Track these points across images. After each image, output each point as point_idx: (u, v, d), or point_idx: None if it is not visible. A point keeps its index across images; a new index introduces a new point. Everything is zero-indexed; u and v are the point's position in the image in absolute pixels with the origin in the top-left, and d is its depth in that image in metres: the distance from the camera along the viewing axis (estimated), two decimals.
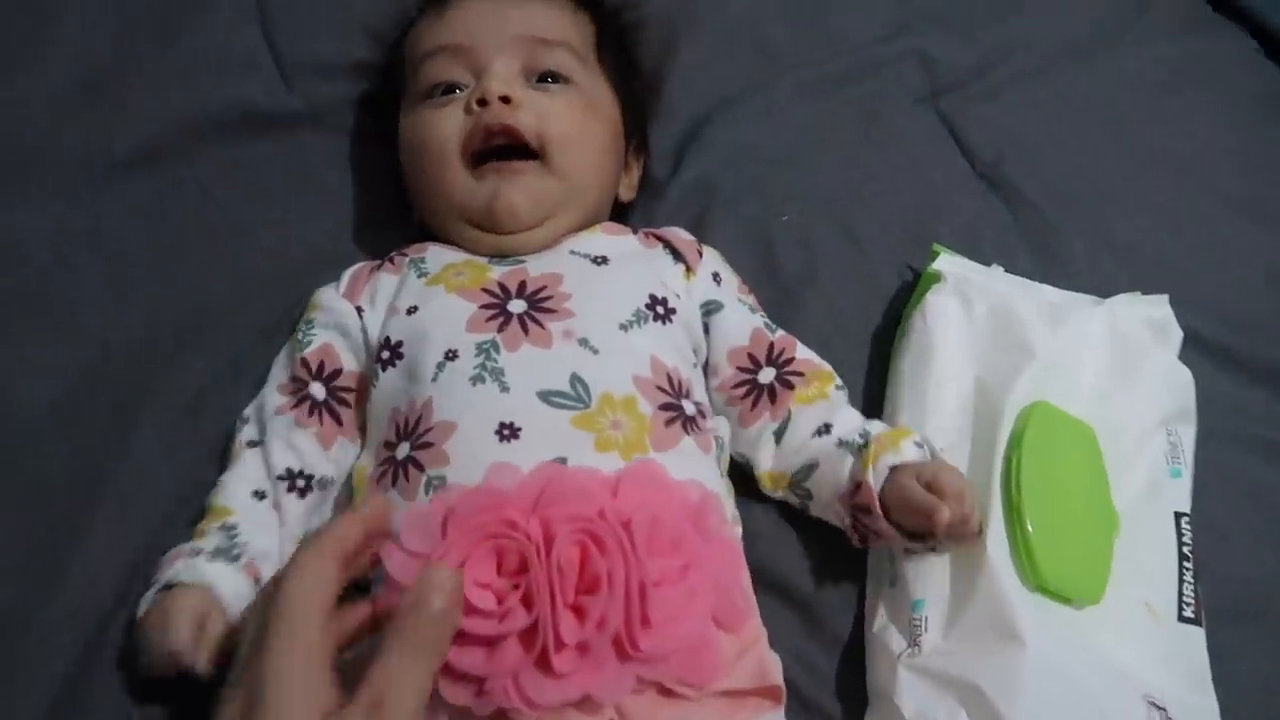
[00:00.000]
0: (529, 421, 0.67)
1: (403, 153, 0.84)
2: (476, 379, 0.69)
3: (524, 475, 0.63)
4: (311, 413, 0.74)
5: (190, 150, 0.90)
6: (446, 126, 0.78)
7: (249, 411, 0.76)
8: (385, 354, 0.73)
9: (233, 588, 0.65)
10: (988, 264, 0.87)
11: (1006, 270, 0.88)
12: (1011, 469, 0.70)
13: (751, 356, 0.79)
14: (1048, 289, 0.86)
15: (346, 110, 0.95)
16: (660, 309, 0.75)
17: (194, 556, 0.66)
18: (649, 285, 0.76)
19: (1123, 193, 1.00)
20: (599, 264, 0.77)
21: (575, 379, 0.69)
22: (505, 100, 0.77)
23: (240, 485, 0.71)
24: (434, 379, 0.70)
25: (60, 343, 0.81)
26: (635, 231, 0.82)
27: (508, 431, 0.66)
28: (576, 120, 0.80)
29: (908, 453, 0.70)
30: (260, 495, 0.71)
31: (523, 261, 0.77)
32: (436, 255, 0.79)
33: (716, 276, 0.81)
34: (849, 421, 0.75)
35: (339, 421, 0.75)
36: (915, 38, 1.05)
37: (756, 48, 1.01)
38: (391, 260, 0.80)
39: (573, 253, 0.78)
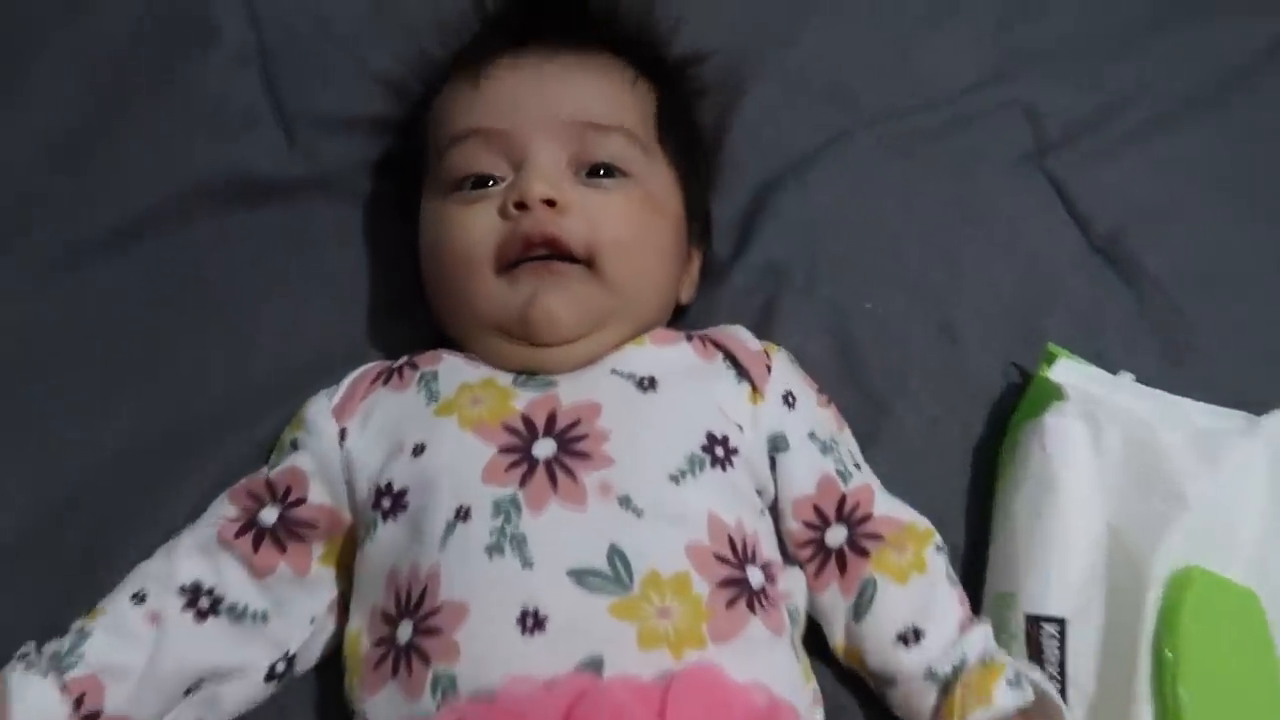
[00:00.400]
0: (557, 608, 0.55)
1: (423, 247, 0.72)
2: (494, 549, 0.57)
3: (546, 692, 0.52)
4: (248, 534, 0.63)
5: (178, 223, 0.79)
6: (477, 229, 0.66)
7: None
8: (386, 502, 0.61)
9: (36, 704, 0.56)
10: (1109, 363, 0.74)
11: (1136, 378, 0.73)
12: (1167, 666, 0.57)
13: (818, 510, 0.66)
14: (1190, 405, 0.72)
15: (360, 174, 0.83)
16: (720, 450, 0.63)
17: (22, 659, 0.58)
18: (706, 418, 0.64)
19: (1266, 273, 0.85)
20: (645, 388, 0.65)
21: (614, 552, 0.57)
22: (550, 204, 0.65)
23: (128, 584, 0.62)
24: (442, 544, 0.58)
25: (28, 461, 0.71)
26: (690, 338, 0.69)
27: (531, 621, 0.55)
28: (634, 223, 0.68)
29: (1001, 701, 0.59)
30: (139, 599, 0.61)
31: (554, 384, 0.65)
32: (452, 370, 0.67)
33: (789, 398, 0.68)
34: (943, 631, 0.63)
35: (281, 549, 0.64)
36: (1017, 85, 0.91)
37: (830, 98, 0.88)
38: (400, 373, 0.68)
39: (614, 372, 0.65)
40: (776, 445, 0.66)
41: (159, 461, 0.71)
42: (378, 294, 0.79)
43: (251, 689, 0.63)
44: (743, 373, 0.68)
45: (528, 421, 0.62)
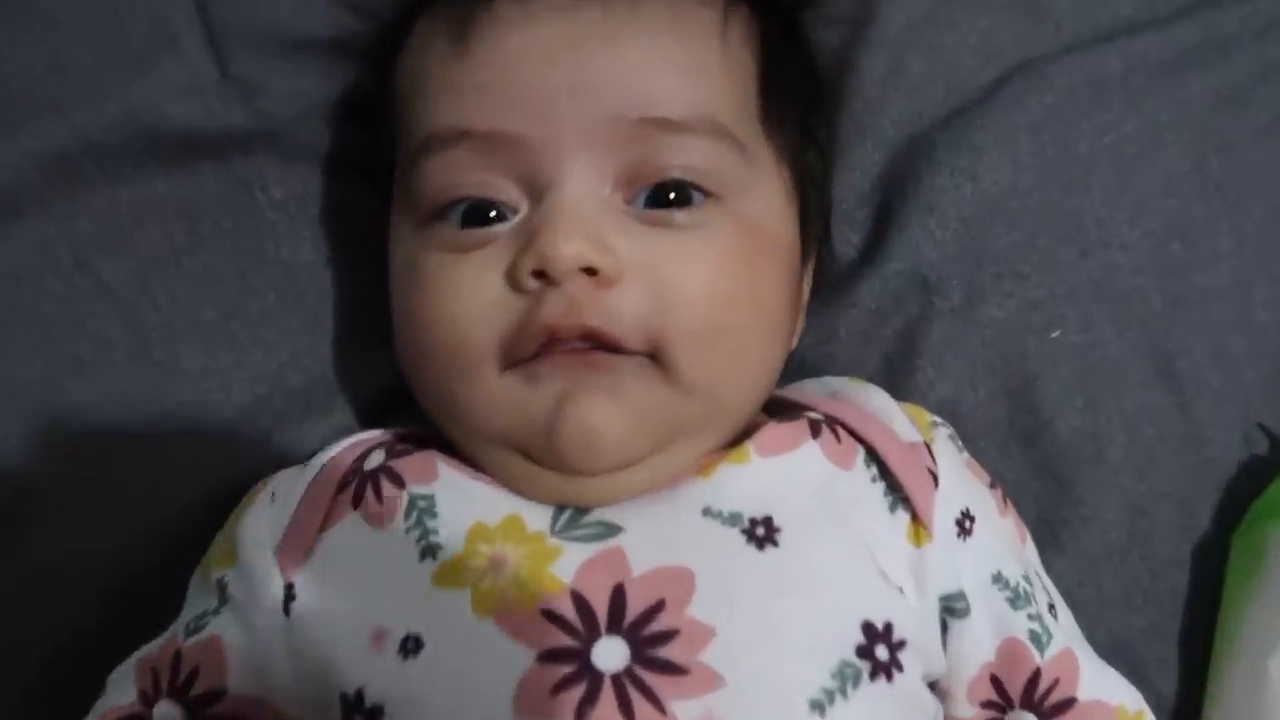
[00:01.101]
0: None
1: (394, 299, 0.50)
2: None
3: None
4: None
5: (62, 197, 0.56)
6: (472, 305, 0.45)
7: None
8: (358, 719, 0.42)
9: None
10: None
11: None
12: None
13: (998, 685, 0.47)
14: None
15: (323, 125, 0.58)
16: (883, 649, 0.43)
17: None
18: (861, 592, 0.44)
19: None
20: (761, 542, 0.43)
21: None
22: (590, 272, 0.43)
23: None
24: None
25: None
26: (816, 427, 0.47)
27: None
28: (727, 285, 0.45)
29: None
30: None
31: (616, 530, 0.44)
32: (455, 496, 0.46)
33: (965, 520, 0.47)
34: None
35: None
36: None
37: (1011, 4, 0.60)
38: (376, 488, 0.46)
39: (709, 513, 0.44)
40: (952, 609, 0.46)
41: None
42: (343, 302, 0.57)
43: None
44: (895, 488, 0.46)
45: (582, 605, 0.42)
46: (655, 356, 0.43)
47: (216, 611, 0.46)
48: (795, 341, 0.52)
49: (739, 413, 0.47)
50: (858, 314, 0.56)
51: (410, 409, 0.52)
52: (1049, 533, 0.55)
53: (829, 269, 0.56)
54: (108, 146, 0.56)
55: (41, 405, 0.54)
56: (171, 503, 0.53)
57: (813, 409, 0.48)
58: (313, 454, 0.51)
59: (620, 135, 0.44)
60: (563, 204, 0.43)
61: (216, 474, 0.53)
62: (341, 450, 0.49)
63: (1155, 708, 0.52)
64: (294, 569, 0.45)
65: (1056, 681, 0.46)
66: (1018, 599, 0.47)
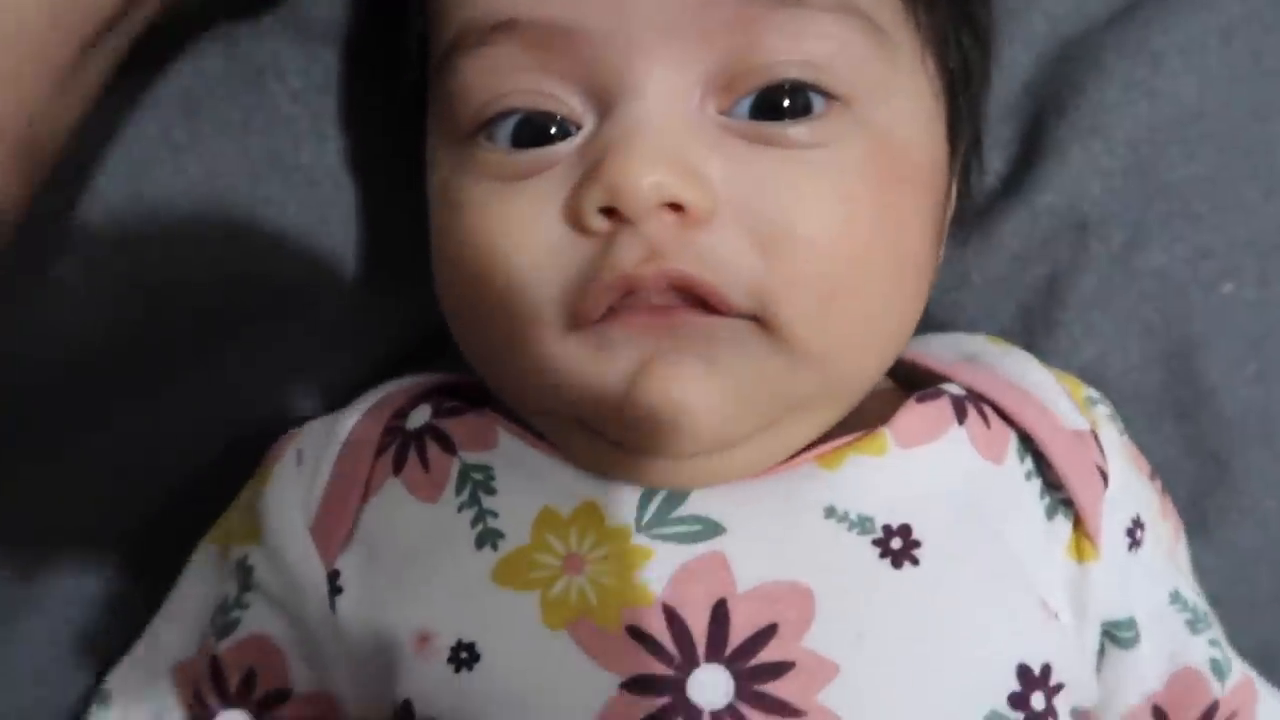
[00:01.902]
0: None
1: (435, 240, 0.40)
2: None
3: None
4: None
5: None
6: (521, 247, 0.35)
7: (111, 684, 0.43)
8: None
9: None
10: None
11: None
12: None
13: (1160, 715, 0.40)
14: None
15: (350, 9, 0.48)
16: (1040, 697, 0.36)
17: None
18: (1016, 628, 0.36)
19: None
20: (897, 557, 0.36)
21: None
22: (675, 208, 0.33)
23: None
24: None
25: None
26: (961, 408, 0.39)
27: None
28: (864, 222, 0.35)
29: None
30: None
31: (718, 529, 0.36)
32: (517, 471, 0.38)
33: (1136, 529, 0.40)
34: None
35: None
36: None
37: None
38: (420, 450, 0.39)
39: (831, 514, 0.36)
40: (1116, 636, 0.39)
41: None
42: (381, 227, 0.48)
43: None
44: (1054, 487, 0.39)
45: (676, 624, 0.34)
46: (759, 318, 0.34)
47: (241, 603, 0.39)
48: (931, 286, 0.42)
49: (863, 384, 0.38)
50: (996, 256, 0.47)
51: (455, 351, 0.44)
52: (1198, 521, 0.47)
53: (968, 207, 0.46)
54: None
55: None
56: (187, 442, 0.45)
57: (951, 380, 0.40)
58: (344, 400, 0.43)
59: (714, 21, 0.34)
60: (638, 118, 0.34)
61: (230, 417, 0.45)
62: (377, 402, 0.41)
63: None
64: (335, 552, 0.38)
65: (1234, 715, 0.40)
66: (1198, 622, 0.40)
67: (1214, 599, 0.45)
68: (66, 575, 0.46)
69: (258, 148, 0.47)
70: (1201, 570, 0.45)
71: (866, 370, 0.38)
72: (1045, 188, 0.46)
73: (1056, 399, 0.40)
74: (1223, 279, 0.47)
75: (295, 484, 0.39)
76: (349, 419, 0.40)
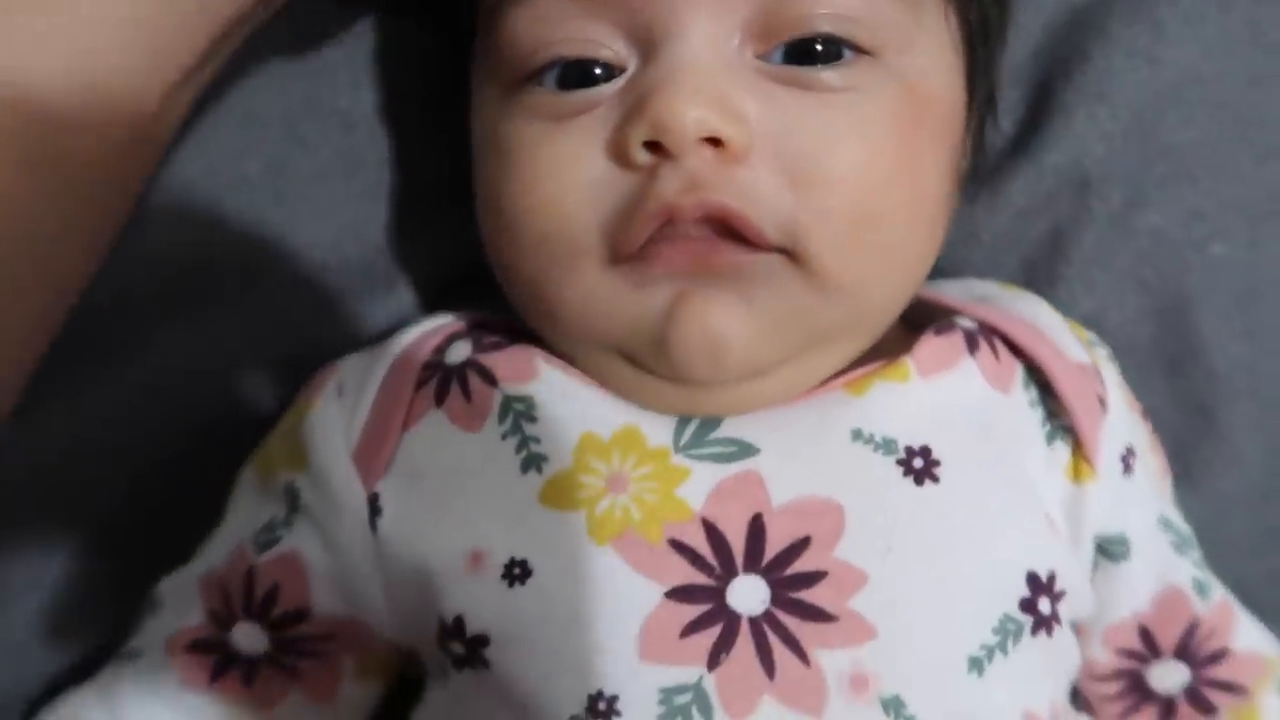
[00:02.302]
0: None
1: (478, 180, 0.43)
2: None
3: None
4: (231, 673, 0.42)
5: None
6: (571, 182, 0.38)
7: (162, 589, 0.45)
8: (457, 648, 0.38)
9: None
10: None
11: None
12: None
13: (1147, 636, 0.43)
14: None
15: None
16: (1046, 603, 0.39)
17: None
18: (1026, 539, 0.39)
19: None
20: (920, 475, 0.39)
21: None
22: (714, 143, 0.35)
23: None
24: None
25: None
26: (974, 340, 0.42)
27: None
28: (889, 163, 0.38)
29: None
30: None
31: (752, 450, 0.39)
32: (559, 399, 0.40)
33: (1129, 456, 0.43)
34: None
35: (291, 674, 0.43)
36: None
37: None
38: (463, 382, 0.41)
39: (858, 436, 0.39)
40: (1108, 551, 0.42)
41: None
42: (416, 173, 0.50)
43: None
44: (1055, 415, 0.42)
45: (715, 537, 0.37)
46: (790, 252, 0.37)
47: (288, 523, 0.42)
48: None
49: (886, 317, 0.41)
50: (1003, 213, 0.49)
51: (490, 291, 0.46)
52: (1183, 469, 0.50)
53: (979, 162, 0.48)
54: None
55: None
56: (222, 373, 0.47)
57: (964, 315, 0.43)
58: (378, 337, 0.46)
59: None
60: (681, 59, 0.36)
61: (269, 351, 0.47)
62: (418, 336, 0.43)
63: None
64: (376, 477, 0.40)
65: (1214, 631, 0.43)
66: (1183, 544, 0.43)
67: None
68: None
69: (296, 90, 0.49)
70: (1184, 515, 0.48)
71: (888, 302, 0.40)
72: (1051, 148, 0.49)
73: (1064, 336, 0.43)
74: (1214, 240, 0.49)
75: (337, 414, 0.41)
76: (388, 353, 0.42)
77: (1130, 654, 0.43)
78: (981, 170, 0.49)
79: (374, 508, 0.40)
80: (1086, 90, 0.48)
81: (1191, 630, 0.43)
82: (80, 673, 0.46)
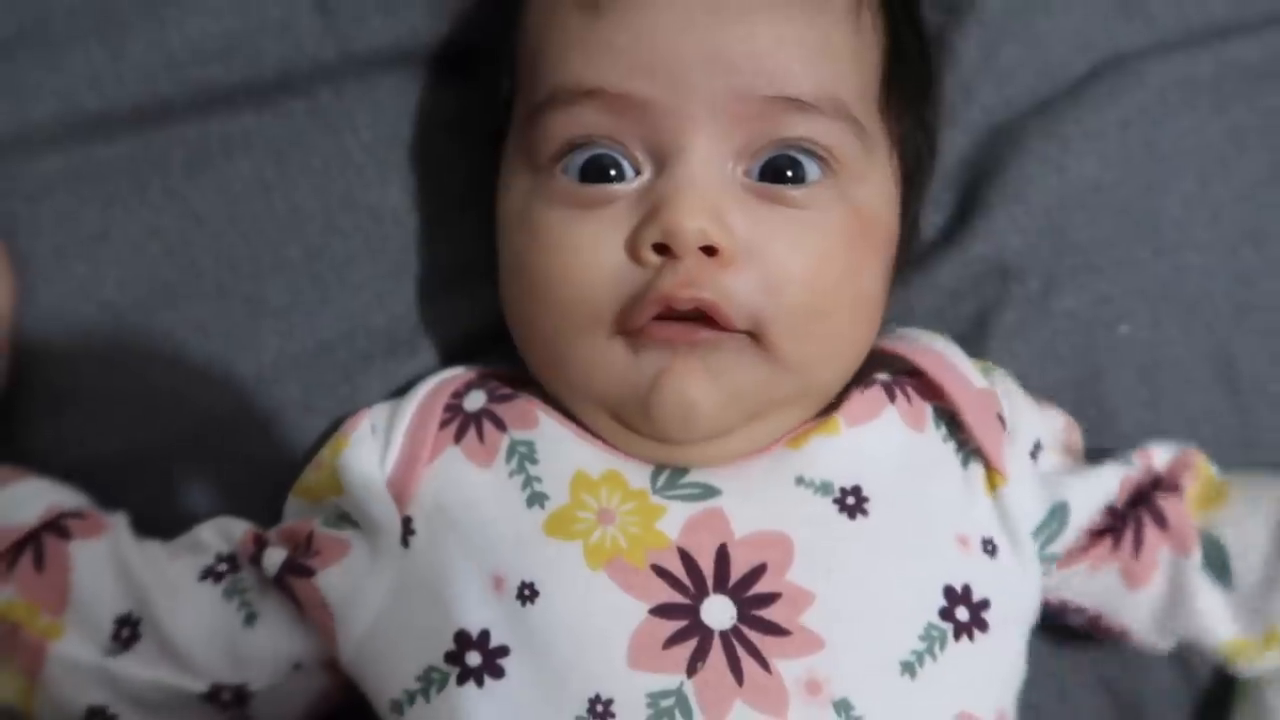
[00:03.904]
0: None
1: (503, 253, 0.52)
2: None
3: None
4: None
5: (153, 124, 0.57)
6: (590, 267, 0.47)
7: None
8: (474, 658, 0.45)
9: None
10: None
11: None
12: None
13: (1113, 511, 0.52)
14: None
15: (411, 68, 0.59)
16: (964, 611, 0.46)
17: None
18: (940, 558, 0.47)
19: None
20: (852, 511, 0.47)
21: None
22: (709, 251, 0.45)
23: None
24: None
25: None
26: (892, 392, 0.50)
27: None
28: (834, 271, 0.47)
29: None
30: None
31: (715, 492, 0.47)
32: (556, 447, 0.49)
33: (1035, 451, 0.51)
34: None
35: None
36: None
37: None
38: (478, 428, 0.49)
39: (801, 482, 0.47)
40: (1057, 520, 0.50)
41: None
42: (431, 255, 0.59)
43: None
44: (965, 444, 0.50)
45: (688, 561, 0.45)
46: (755, 335, 0.46)
47: (339, 524, 0.49)
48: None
49: (829, 390, 0.50)
50: (935, 294, 0.58)
51: (496, 353, 0.55)
52: None
53: (908, 251, 0.57)
54: (199, 78, 0.57)
55: (134, 329, 0.55)
56: (255, 431, 0.55)
57: (888, 361, 0.51)
58: (400, 391, 0.54)
59: (748, 110, 0.46)
60: (688, 176, 0.45)
61: (299, 408, 0.55)
62: (438, 384, 0.52)
63: (1191, 693, 0.57)
64: (407, 500, 0.48)
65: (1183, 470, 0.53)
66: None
67: None
68: None
69: (333, 188, 0.58)
70: None
71: (832, 379, 0.49)
72: (976, 240, 0.58)
73: (965, 365, 0.52)
74: (1120, 321, 0.58)
75: (371, 448, 0.49)
76: (414, 398, 0.51)
77: (1098, 532, 0.50)
78: (917, 258, 0.58)
79: (407, 529, 0.47)
80: (1005, 193, 0.58)
81: (1155, 482, 0.51)
82: None
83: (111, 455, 0.54)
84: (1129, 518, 0.50)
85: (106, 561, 0.50)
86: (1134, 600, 0.51)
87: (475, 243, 0.56)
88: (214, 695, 0.49)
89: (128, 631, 0.49)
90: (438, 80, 0.59)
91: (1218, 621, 0.51)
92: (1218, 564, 0.51)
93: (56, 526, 0.50)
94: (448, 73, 0.59)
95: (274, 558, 0.49)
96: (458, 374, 0.52)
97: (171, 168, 0.57)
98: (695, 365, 0.45)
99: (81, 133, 0.57)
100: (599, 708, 0.42)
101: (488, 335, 0.56)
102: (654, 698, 0.42)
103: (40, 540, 0.50)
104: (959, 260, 0.58)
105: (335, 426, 0.53)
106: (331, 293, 0.57)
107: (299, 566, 0.48)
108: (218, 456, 0.55)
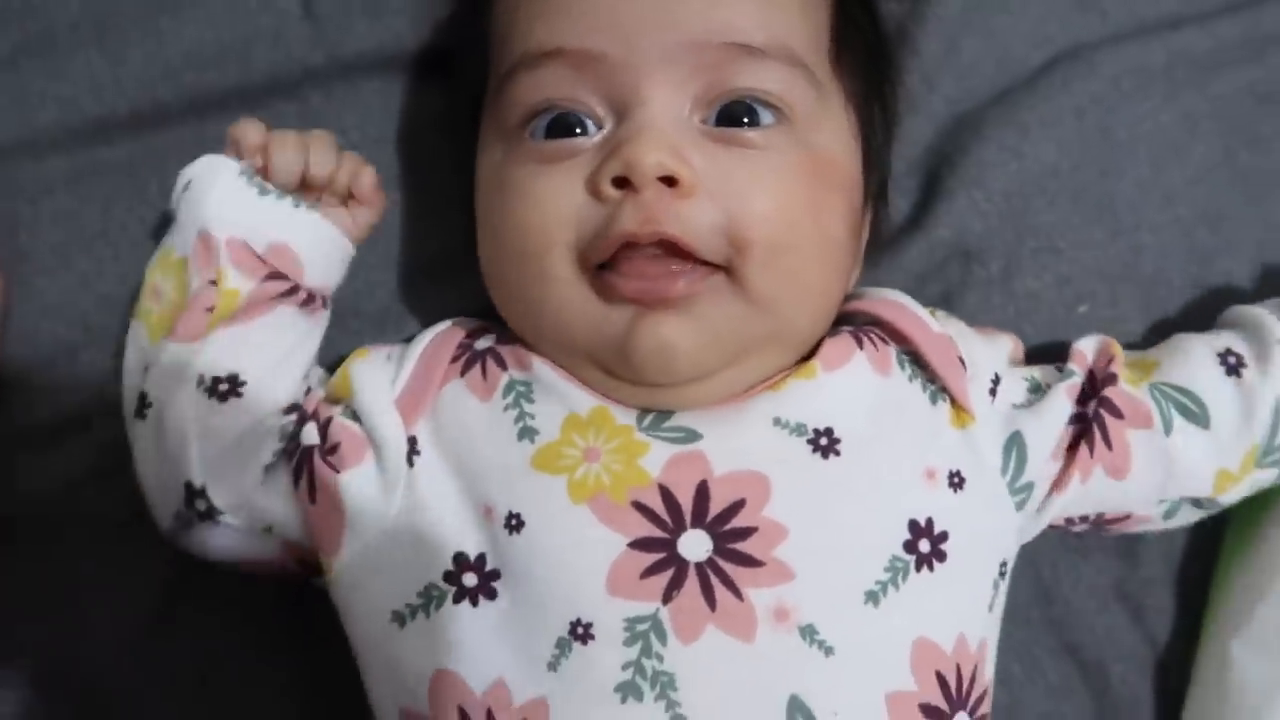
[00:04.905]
0: None
1: (479, 216, 0.55)
2: (628, 689, 0.45)
3: None
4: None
5: (150, 129, 0.61)
6: (553, 209, 0.49)
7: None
8: (470, 579, 0.48)
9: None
10: None
11: None
12: None
13: (1075, 420, 0.53)
14: None
15: (396, 69, 0.63)
16: (925, 543, 0.49)
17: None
18: (905, 495, 0.49)
19: None
20: (825, 451, 0.49)
21: (796, 708, 0.45)
22: (669, 182, 0.47)
23: None
24: (552, 666, 0.46)
25: None
26: (860, 339, 0.53)
27: None
28: (797, 204, 0.49)
29: None
30: None
31: (697, 435, 0.49)
32: (549, 389, 0.51)
33: (994, 385, 0.53)
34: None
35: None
36: None
37: None
38: (482, 365, 0.52)
39: (779, 423, 0.50)
40: (1017, 450, 0.52)
41: None
42: (417, 247, 0.62)
43: None
44: (931, 380, 0.52)
45: (668, 498, 0.48)
46: (728, 270, 0.48)
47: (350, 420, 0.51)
48: (852, 284, 0.56)
49: (802, 333, 0.52)
50: (901, 276, 0.61)
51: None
52: None
53: (877, 233, 0.60)
54: (195, 84, 0.61)
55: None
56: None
57: (850, 318, 0.54)
58: None
59: (702, 59, 0.48)
60: (648, 118, 0.48)
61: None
62: (451, 325, 0.55)
63: (1152, 654, 0.59)
64: (413, 421, 0.50)
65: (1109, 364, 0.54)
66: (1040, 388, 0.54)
67: (1077, 551, 0.59)
68: None
69: None
70: None
71: (804, 321, 0.51)
72: (939, 225, 0.61)
73: (923, 314, 0.54)
74: (1080, 301, 0.61)
75: (384, 369, 0.52)
76: (426, 335, 0.54)
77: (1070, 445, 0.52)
78: (884, 242, 0.61)
79: (413, 448, 0.50)
80: (966, 178, 0.61)
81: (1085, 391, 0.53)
82: None
83: (111, 441, 0.56)
84: (1090, 421, 0.52)
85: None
86: (1125, 488, 0.53)
87: (458, 234, 0.59)
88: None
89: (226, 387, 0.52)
90: (420, 82, 0.62)
91: (1202, 466, 0.53)
92: (1190, 409, 0.53)
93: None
94: (430, 74, 0.62)
95: (310, 436, 0.51)
96: (466, 321, 0.55)
97: (169, 168, 0.58)
98: (670, 307, 0.47)
99: (83, 136, 0.60)
100: (579, 630, 0.45)
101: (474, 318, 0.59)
102: (630, 622, 0.45)
103: None
104: (924, 244, 0.61)
105: None
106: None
107: (327, 460, 0.50)
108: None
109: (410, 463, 0.50)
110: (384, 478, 0.50)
